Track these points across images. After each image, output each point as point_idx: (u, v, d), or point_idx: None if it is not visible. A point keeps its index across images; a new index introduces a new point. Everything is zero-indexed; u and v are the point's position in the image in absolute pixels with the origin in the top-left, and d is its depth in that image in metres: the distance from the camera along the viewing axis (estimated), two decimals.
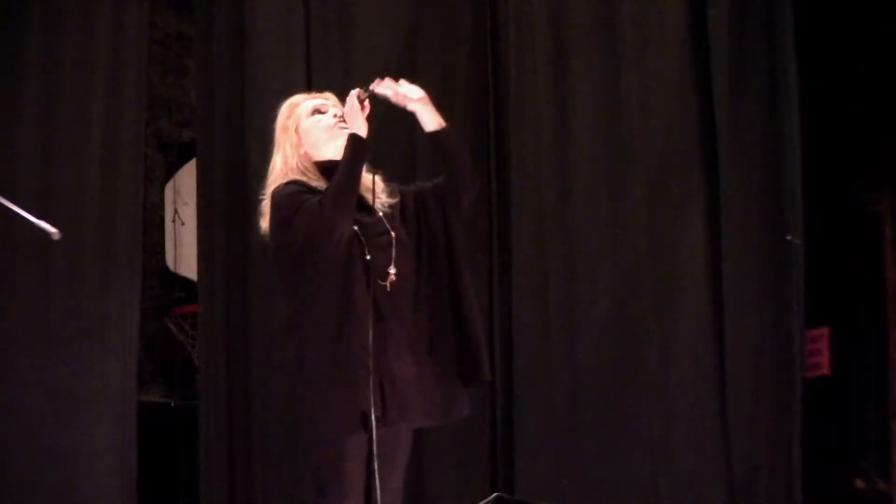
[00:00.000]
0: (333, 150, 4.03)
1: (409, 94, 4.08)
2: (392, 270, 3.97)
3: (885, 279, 5.99)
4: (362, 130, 3.98)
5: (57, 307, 5.62)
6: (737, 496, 5.64)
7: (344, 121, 4.04)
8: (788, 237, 5.68)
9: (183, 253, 7.40)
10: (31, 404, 5.55)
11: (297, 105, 4.15)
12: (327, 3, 5.95)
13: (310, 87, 5.74)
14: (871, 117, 5.79)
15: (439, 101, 5.85)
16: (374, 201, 4.03)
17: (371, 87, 4.01)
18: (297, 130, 4.09)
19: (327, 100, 4.17)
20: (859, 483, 5.99)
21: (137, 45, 5.82)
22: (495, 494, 4.95)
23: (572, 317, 5.80)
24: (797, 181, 5.69)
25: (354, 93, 4.02)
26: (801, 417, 5.58)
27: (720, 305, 5.74)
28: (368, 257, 3.94)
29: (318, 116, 4.10)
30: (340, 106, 4.11)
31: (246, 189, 5.73)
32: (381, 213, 4.04)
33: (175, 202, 7.53)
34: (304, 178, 4.02)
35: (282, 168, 4.08)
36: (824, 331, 5.93)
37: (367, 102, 4.00)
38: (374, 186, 4.05)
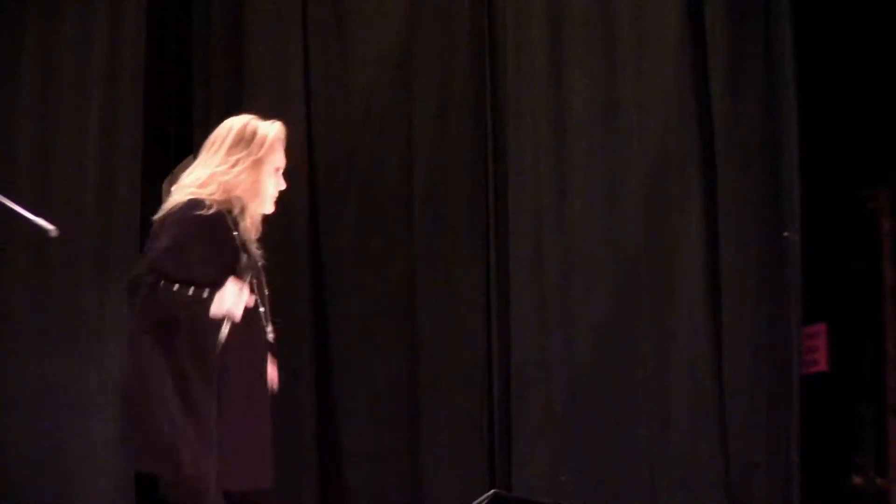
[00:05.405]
0: (263, 209, 4.05)
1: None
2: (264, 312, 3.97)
3: (882, 275, 5.98)
4: (236, 314, 3.81)
5: (55, 304, 5.62)
6: (734, 493, 5.65)
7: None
8: (786, 233, 5.68)
9: None
10: (29, 401, 5.55)
11: (275, 145, 4.05)
12: (325, 0, 5.95)
13: (308, 84, 5.75)
14: (869, 113, 5.79)
15: (438, 99, 5.95)
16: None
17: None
18: (260, 169, 4.00)
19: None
20: (857, 480, 5.98)
21: (135, 41, 5.82)
22: (493, 491, 4.94)
23: (570, 314, 5.80)
24: (794, 177, 5.68)
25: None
26: (799, 414, 5.58)
27: (717, 302, 5.74)
28: (262, 309, 3.94)
29: (277, 178, 4.05)
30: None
31: None
32: (257, 251, 4.03)
33: None
34: (234, 202, 3.96)
35: (225, 180, 3.96)
36: (822, 327, 5.92)
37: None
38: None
